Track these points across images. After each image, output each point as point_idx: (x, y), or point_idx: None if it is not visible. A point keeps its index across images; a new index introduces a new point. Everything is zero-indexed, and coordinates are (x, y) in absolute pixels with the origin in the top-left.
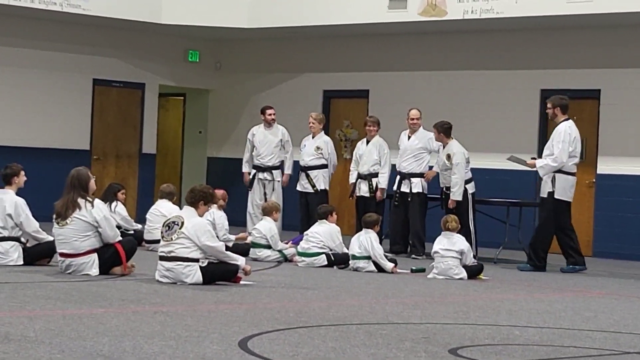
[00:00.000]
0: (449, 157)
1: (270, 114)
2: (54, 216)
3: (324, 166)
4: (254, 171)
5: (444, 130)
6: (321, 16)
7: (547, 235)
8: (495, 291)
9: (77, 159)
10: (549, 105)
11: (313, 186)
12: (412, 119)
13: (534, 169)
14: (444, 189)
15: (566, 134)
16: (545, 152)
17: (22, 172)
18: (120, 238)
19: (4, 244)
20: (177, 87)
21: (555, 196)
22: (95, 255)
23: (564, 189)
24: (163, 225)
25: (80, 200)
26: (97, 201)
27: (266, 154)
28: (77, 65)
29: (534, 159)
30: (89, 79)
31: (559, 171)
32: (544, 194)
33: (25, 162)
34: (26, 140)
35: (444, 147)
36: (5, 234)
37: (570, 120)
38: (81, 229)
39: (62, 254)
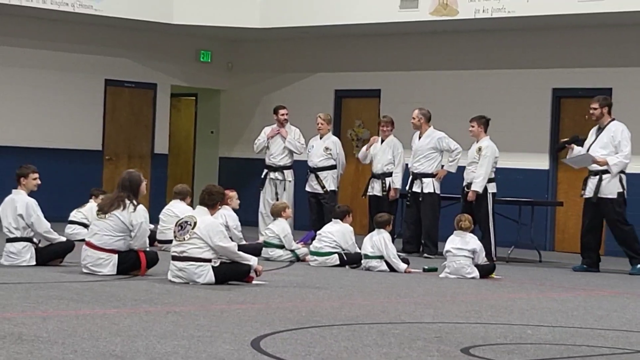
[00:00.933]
0: (479, 149)
1: (282, 114)
2: (98, 208)
3: (333, 167)
4: (265, 170)
5: (482, 124)
6: (332, 16)
7: (631, 230)
8: (508, 290)
9: (90, 159)
10: (595, 106)
11: (323, 187)
12: (412, 119)
13: (602, 167)
14: (466, 186)
15: (627, 132)
16: (602, 151)
17: (33, 175)
18: (148, 249)
19: (17, 245)
20: (189, 87)
21: (626, 196)
22: (115, 257)
23: (626, 189)
24: (175, 225)
25: (126, 201)
26: (140, 207)
27: (277, 153)
28: (89, 66)
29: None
30: (100, 79)
31: (622, 172)
32: (610, 194)
33: (37, 163)
34: (38, 141)
35: (477, 142)
36: (18, 234)
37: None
38: (116, 227)
39: (87, 243)
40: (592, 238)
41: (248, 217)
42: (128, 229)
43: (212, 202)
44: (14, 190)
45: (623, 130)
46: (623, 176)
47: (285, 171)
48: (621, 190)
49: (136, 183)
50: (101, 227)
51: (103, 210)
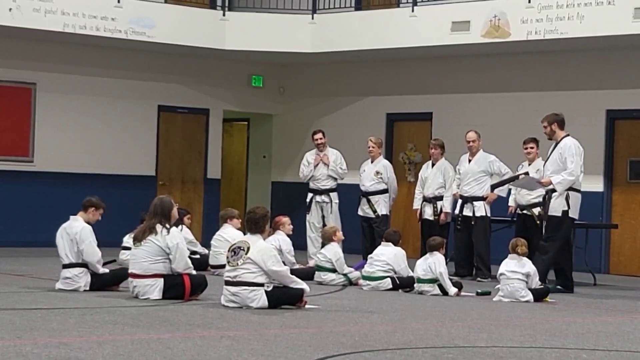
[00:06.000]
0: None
1: (316, 139)
2: (133, 240)
3: (385, 191)
4: (310, 195)
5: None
6: (384, 39)
7: (568, 254)
8: (562, 314)
9: (143, 184)
10: (545, 124)
11: (374, 211)
12: (468, 142)
13: (549, 187)
14: (540, 211)
15: (576, 148)
16: (551, 168)
17: (94, 209)
18: (193, 272)
19: (72, 270)
20: (241, 112)
21: (570, 214)
22: (161, 281)
23: (576, 207)
24: (229, 250)
25: (158, 226)
26: (174, 229)
27: (322, 178)
28: (142, 92)
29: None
30: (154, 105)
31: (571, 189)
32: (556, 212)
33: (91, 189)
34: (92, 167)
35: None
36: (73, 260)
37: (571, 136)
38: (153, 251)
39: (131, 274)
40: (568, 254)
41: (301, 240)
42: (165, 252)
43: (259, 229)
44: (71, 217)
45: (571, 146)
46: (571, 194)
47: (330, 194)
48: (566, 208)
49: (167, 208)
50: (138, 255)
51: (138, 239)
